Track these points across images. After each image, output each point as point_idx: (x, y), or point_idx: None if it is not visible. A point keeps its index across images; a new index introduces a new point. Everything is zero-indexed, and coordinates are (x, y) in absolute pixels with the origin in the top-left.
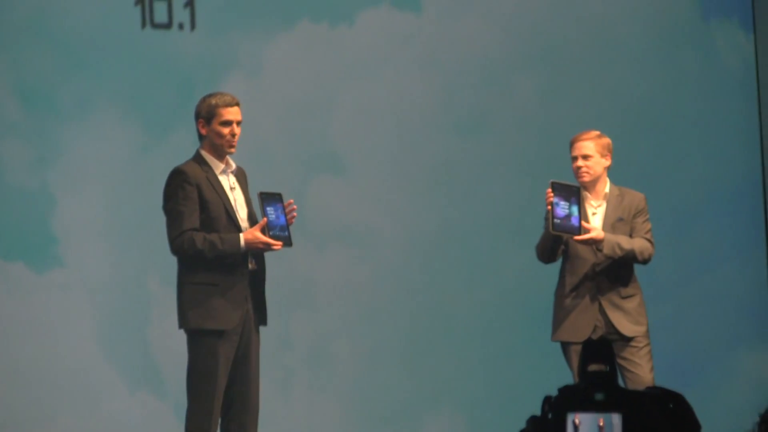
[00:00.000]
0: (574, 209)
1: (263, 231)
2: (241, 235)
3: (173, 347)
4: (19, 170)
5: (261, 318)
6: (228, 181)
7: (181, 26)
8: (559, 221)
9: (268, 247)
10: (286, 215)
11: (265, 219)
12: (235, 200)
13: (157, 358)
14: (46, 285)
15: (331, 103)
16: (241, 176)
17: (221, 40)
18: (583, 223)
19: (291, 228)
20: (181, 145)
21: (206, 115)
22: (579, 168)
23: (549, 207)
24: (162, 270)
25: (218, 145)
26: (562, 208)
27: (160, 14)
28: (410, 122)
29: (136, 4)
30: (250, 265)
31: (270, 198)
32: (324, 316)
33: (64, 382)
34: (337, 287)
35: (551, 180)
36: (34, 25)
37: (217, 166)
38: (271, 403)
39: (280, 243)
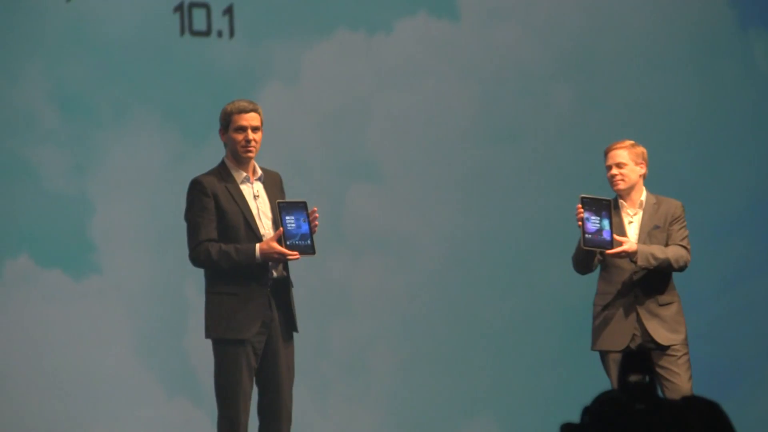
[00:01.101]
0: (606, 223)
1: (280, 241)
2: (257, 245)
3: (209, 354)
4: (56, 177)
5: (289, 326)
6: (251, 190)
7: (219, 34)
8: (590, 236)
9: (283, 257)
10: (310, 223)
11: (281, 229)
12: (258, 209)
13: (194, 365)
14: (83, 292)
15: (368, 111)
16: (271, 182)
17: (259, 48)
18: (615, 237)
19: (315, 236)
20: (219, 153)
21: (223, 123)
22: (613, 176)
23: (579, 223)
24: (199, 277)
25: (236, 151)
26: (593, 222)
27: (199, 22)
28: (447, 131)
29: (175, 11)
30: (274, 273)
31: (290, 207)
32: (360, 324)
33: (101, 388)
34: (374, 295)
35: (581, 195)
36: (72, 32)
37: (239, 175)
38: (308, 411)
39: (295, 253)
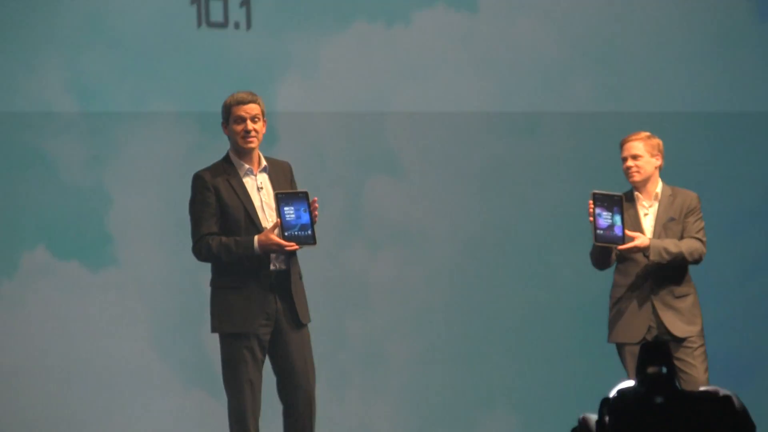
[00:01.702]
0: (617, 219)
1: (279, 232)
2: (256, 237)
3: None
4: (74, 169)
5: (296, 317)
6: (255, 182)
7: (236, 25)
8: (602, 232)
9: (281, 248)
10: (311, 214)
11: (279, 220)
12: (261, 201)
13: (211, 356)
14: (101, 284)
15: (386, 103)
16: (278, 173)
17: (277, 40)
18: (627, 232)
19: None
20: None
21: (224, 116)
22: (629, 168)
23: (591, 219)
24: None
25: (237, 143)
26: (604, 218)
27: (216, 13)
28: (465, 123)
29: (192, 3)
30: (275, 266)
31: (289, 197)
32: (378, 316)
33: (118, 380)
34: (392, 287)
35: (592, 191)
36: (90, 24)
37: (242, 167)
38: (325, 402)
39: (292, 244)
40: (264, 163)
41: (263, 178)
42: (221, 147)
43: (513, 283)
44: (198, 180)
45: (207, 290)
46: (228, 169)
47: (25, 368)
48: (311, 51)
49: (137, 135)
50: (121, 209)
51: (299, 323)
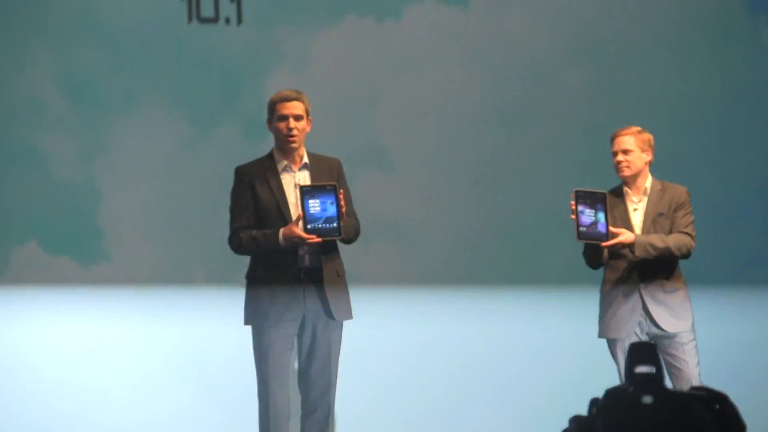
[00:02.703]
0: (601, 216)
1: (303, 225)
2: (281, 230)
3: (220, 342)
4: (65, 164)
5: (329, 313)
6: (293, 178)
7: (227, 20)
8: (584, 229)
9: (302, 241)
10: (339, 206)
11: (301, 213)
12: (296, 197)
13: (204, 353)
14: (92, 279)
15: (377, 98)
16: (323, 169)
17: (268, 35)
18: (611, 228)
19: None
20: (227, 140)
21: (269, 113)
22: (619, 162)
23: (573, 216)
24: (208, 264)
25: (280, 141)
26: (587, 216)
27: (207, 8)
28: (457, 117)
29: None
30: (303, 262)
31: (314, 190)
32: (369, 312)
33: (109, 376)
34: (383, 282)
35: (575, 189)
36: (80, 19)
37: (280, 163)
38: None
39: (313, 237)
40: (305, 160)
41: (303, 175)
42: (212, 142)
43: (505, 278)
44: (235, 174)
45: (198, 285)
46: (268, 165)
47: (16, 363)
48: (302, 46)
49: (128, 130)
50: (111, 205)
51: (331, 321)
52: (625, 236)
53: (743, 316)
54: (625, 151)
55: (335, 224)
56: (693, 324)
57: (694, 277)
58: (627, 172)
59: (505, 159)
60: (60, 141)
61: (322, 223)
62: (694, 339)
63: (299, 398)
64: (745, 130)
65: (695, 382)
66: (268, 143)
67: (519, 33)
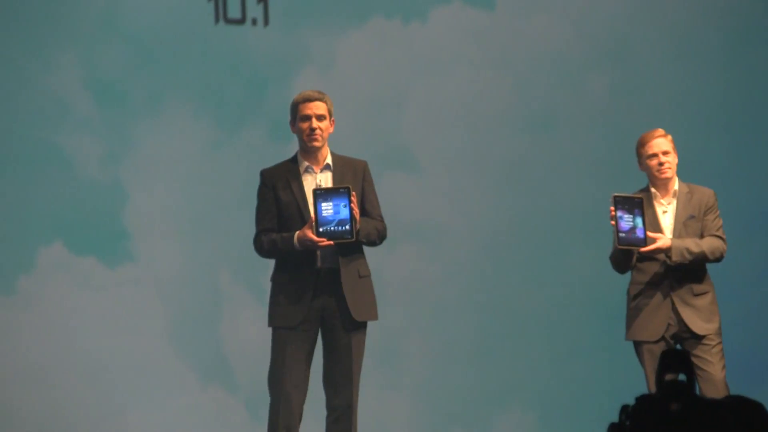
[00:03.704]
0: (639, 221)
1: (314, 229)
2: (296, 233)
3: (244, 342)
4: (91, 165)
5: (349, 316)
6: (314, 180)
7: (254, 22)
8: (624, 235)
9: (314, 244)
10: (352, 209)
11: (313, 217)
12: None
13: (228, 353)
14: (118, 280)
15: (403, 99)
16: (347, 171)
17: (294, 36)
18: (649, 234)
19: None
20: (253, 141)
21: (292, 114)
22: (662, 164)
23: (612, 222)
24: (233, 265)
25: (303, 141)
26: (626, 221)
27: (234, 9)
28: (482, 119)
29: None
30: (321, 264)
31: (328, 193)
32: (394, 313)
33: (135, 376)
34: (408, 284)
35: (613, 194)
36: (107, 20)
37: (302, 165)
38: None
39: (324, 239)
40: (328, 161)
41: (324, 177)
42: (238, 143)
43: (530, 280)
44: (260, 177)
45: (224, 286)
46: (291, 167)
47: (42, 363)
48: (328, 47)
49: (154, 131)
50: (137, 205)
51: (353, 323)
52: (662, 241)
53: None
54: (666, 153)
55: (348, 227)
56: (720, 327)
57: (720, 280)
58: (670, 174)
59: (530, 161)
60: (86, 141)
61: (334, 226)
62: (721, 342)
63: (319, 401)
64: None
65: (721, 386)
66: (294, 145)
67: (544, 35)
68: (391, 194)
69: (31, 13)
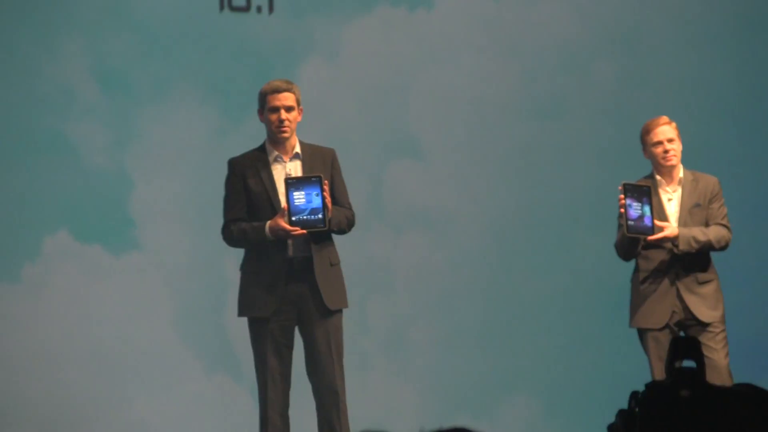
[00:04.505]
0: (647, 209)
1: (287, 218)
2: (267, 222)
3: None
4: (96, 153)
5: (321, 303)
6: (284, 169)
7: (259, 9)
8: (633, 223)
9: (287, 233)
10: (324, 198)
11: (285, 206)
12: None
13: (234, 341)
14: (123, 268)
15: (409, 87)
16: (316, 160)
17: (299, 24)
18: (657, 222)
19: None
20: (258, 129)
21: (260, 104)
22: (667, 152)
23: (622, 210)
24: (238, 253)
25: (271, 132)
26: (634, 209)
27: None
28: (488, 107)
29: None
30: (293, 252)
31: (300, 182)
32: (401, 301)
33: (140, 364)
34: (415, 271)
35: (623, 182)
36: (113, 8)
37: (272, 154)
38: (348, 387)
39: (297, 228)
40: (297, 150)
41: (294, 165)
42: (244, 131)
43: (536, 267)
44: (228, 166)
45: (229, 274)
46: (260, 156)
47: (48, 352)
48: (334, 35)
49: (160, 119)
50: (143, 193)
51: (327, 310)
52: (670, 230)
53: None
54: (671, 140)
55: (320, 216)
56: (724, 315)
57: (724, 268)
58: (675, 161)
59: (536, 148)
60: (91, 129)
61: (306, 215)
62: (725, 330)
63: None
64: None
65: (725, 373)
66: (298, 133)
67: (550, 22)
68: (398, 182)
69: (36, 1)
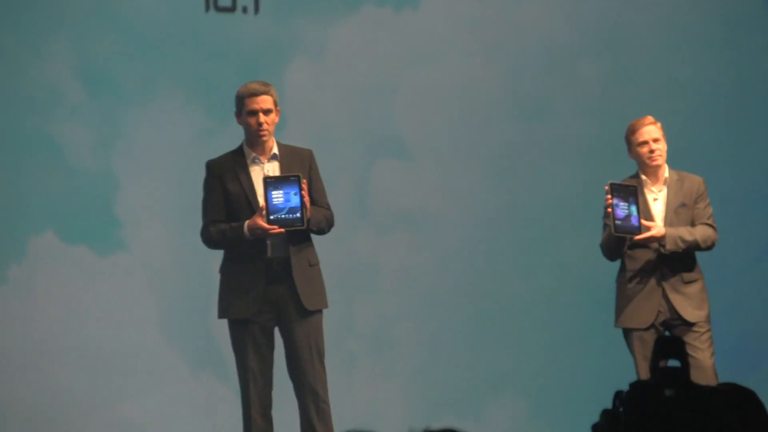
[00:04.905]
0: (633, 209)
1: (265, 216)
2: (246, 222)
3: None
4: (82, 153)
5: (300, 303)
6: (262, 170)
7: (245, 10)
8: (620, 222)
9: (265, 232)
10: (302, 197)
11: (263, 205)
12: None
13: (219, 341)
14: (110, 268)
15: (395, 87)
16: (294, 160)
17: (285, 24)
18: (644, 222)
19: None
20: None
21: (237, 107)
22: (653, 151)
23: (609, 210)
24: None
25: (250, 134)
26: (621, 209)
27: None
28: (474, 107)
29: None
30: (272, 253)
31: (278, 181)
32: (386, 301)
33: (126, 365)
34: (400, 271)
35: (609, 182)
36: (97, 8)
37: (249, 156)
38: (333, 387)
39: (276, 227)
40: (275, 151)
41: (272, 166)
42: (229, 131)
43: (521, 268)
44: (206, 168)
45: (215, 274)
46: (237, 158)
47: (34, 352)
48: (320, 35)
49: (145, 119)
50: (129, 194)
51: (306, 310)
52: (657, 230)
53: (758, 307)
54: (656, 140)
55: (298, 215)
56: (709, 314)
57: (709, 268)
58: (660, 161)
59: (521, 148)
60: (77, 130)
61: (285, 214)
62: (710, 329)
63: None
64: (761, 121)
65: (710, 372)
66: (284, 134)
67: (537, 22)
68: (384, 182)
69: (21, 1)
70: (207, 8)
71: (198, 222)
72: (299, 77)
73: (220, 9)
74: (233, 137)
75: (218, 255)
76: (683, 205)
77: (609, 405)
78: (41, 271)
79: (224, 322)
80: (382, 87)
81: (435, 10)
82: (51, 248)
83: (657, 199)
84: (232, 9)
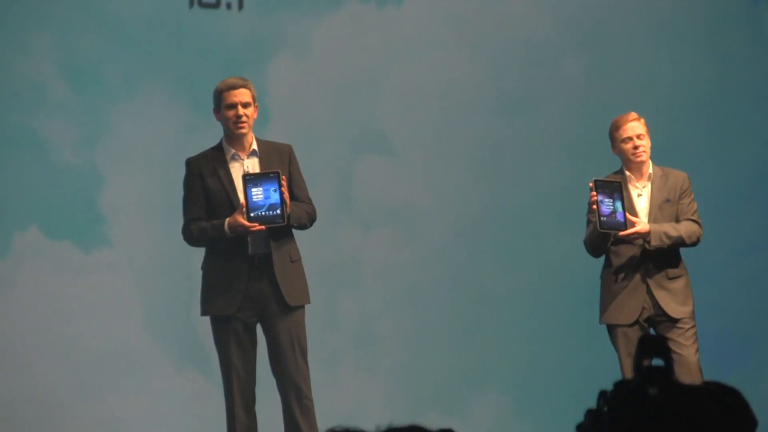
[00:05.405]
0: (618, 205)
1: (245, 214)
2: (226, 219)
3: None
4: (66, 149)
5: (282, 299)
6: (242, 166)
7: (229, 6)
8: (605, 218)
9: (246, 229)
10: (282, 193)
11: (243, 202)
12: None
13: (204, 337)
14: (93, 264)
15: (378, 83)
16: (274, 156)
17: (269, 20)
18: (629, 217)
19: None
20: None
21: (216, 102)
22: (637, 147)
23: (594, 206)
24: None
25: (229, 129)
26: (606, 205)
27: None
28: (457, 103)
29: None
30: (253, 249)
31: (258, 178)
32: (370, 297)
33: (110, 361)
34: (384, 267)
35: (594, 179)
36: (82, 4)
37: (229, 152)
38: (317, 382)
39: (256, 225)
40: (254, 147)
41: (251, 162)
42: (213, 127)
43: (504, 264)
44: (186, 166)
45: (200, 271)
46: (217, 155)
47: (18, 348)
48: (303, 31)
49: (129, 115)
50: (113, 190)
51: (288, 306)
52: (641, 226)
53: (743, 302)
54: (640, 136)
55: (278, 211)
56: (693, 311)
57: (694, 264)
58: (644, 157)
59: (505, 144)
60: (61, 126)
61: (265, 211)
62: (695, 326)
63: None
64: (744, 117)
65: (695, 369)
66: (268, 129)
67: (520, 18)
68: (367, 178)
69: None
70: (191, 4)
71: (182, 217)
72: (283, 73)
73: (204, 5)
74: (217, 133)
75: (203, 251)
76: (667, 200)
77: (593, 400)
78: (25, 267)
79: (207, 318)
80: (366, 83)
81: (418, 6)
82: (35, 244)
83: (641, 195)
84: (216, 5)
